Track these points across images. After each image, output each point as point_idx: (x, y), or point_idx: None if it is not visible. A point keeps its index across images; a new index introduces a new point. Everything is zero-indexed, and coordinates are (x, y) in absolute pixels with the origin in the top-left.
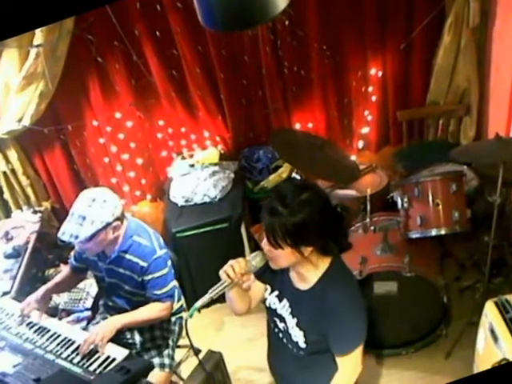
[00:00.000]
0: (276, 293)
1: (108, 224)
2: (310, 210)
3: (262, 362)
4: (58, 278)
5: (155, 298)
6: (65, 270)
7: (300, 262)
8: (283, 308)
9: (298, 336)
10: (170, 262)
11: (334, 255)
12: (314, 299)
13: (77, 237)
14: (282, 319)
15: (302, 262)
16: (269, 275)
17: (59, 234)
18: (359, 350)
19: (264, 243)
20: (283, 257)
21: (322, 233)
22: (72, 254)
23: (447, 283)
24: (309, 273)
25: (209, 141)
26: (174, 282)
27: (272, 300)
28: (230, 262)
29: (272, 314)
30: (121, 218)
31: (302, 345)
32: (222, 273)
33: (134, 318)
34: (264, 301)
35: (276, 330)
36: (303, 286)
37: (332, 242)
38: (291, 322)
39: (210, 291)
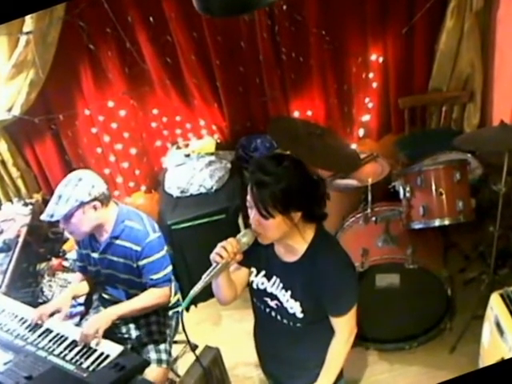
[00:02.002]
0: (263, 272)
1: (83, 203)
2: (293, 175)
3: None
4: (73, 283)
5: (152, 283)
6: (76, 275)
7: (289, 232)
8: (274, 285)
9: (294, 307)
10: (165, 246)
11: (318, 223)
12: (305, 268)
13: (52, 215)
14: (274, 297)
15: (291, 232)
16: (252, 257)
17: (41, 215)
18: (353, 311)
19: (253, 218)
20: (274, 227)
21: (307, 196)
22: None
23: (451, 275)
24: (297, 244)
25: (205, 130)
26: (171, 267)
27: (260, 281)
28: (220, 243)
29: (260, 294)
30: (101, 199)
31: (300, 315)
32: (214, 255)
33: (129, 308)
34: (251, 284)
35: (267, 309)
36: (292, 258)
37: (315, 206)
38: (285, 296)
39: (204, 276)
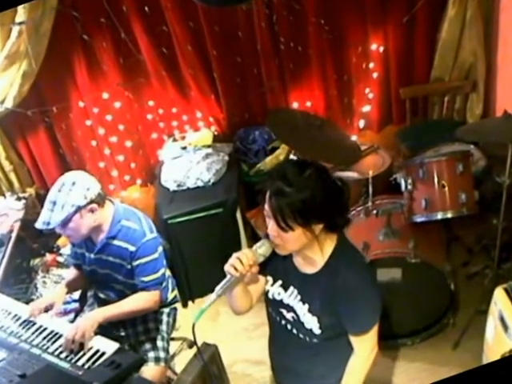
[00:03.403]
0: (279, 282)
1: (80, 207)
2: (316, 185)
3: (259, 354)
4: (67, 278)
5: (142, 285)
6: (70, 269)
7: (309, 243)
8: (290, 296)
9: (311, 322)
10: (160, 248)
11: (340, 233)
12: (324, 281)
13: (48, 223)
14: (291, 308)
15: (311, 244)
16: (269, 265)
17: (35, 224)
18: (375, 330)
19: (271, 229)
20: (293, 239)
21: (329, 206)
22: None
23: (454, 269)
24: (316, 255)
25: (201, 122)
26: (164, 270)
27: (276, 291)
28: (236, 254)
29: (277, 305)
30: (97, 201)
31: (317, 331)
32: (228, 267)
33: (117, 311)
34: (266, 294)
35: (283, 321)
36: (311, 270)
37: (338, 215)
38: (302, 309)
39: (217, 289)
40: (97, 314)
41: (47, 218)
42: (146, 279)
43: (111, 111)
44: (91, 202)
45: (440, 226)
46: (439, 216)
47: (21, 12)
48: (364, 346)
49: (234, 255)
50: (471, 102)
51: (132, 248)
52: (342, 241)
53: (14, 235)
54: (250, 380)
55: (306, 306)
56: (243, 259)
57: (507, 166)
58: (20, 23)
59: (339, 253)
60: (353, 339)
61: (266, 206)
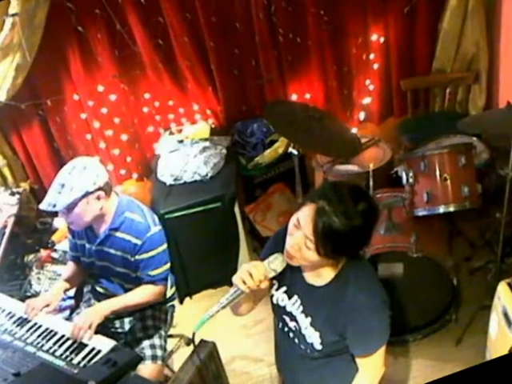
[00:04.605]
0: (284, 288)
1: (88, 192)
2: (365, 221)
3: (258, 351)
4: (65, 275)
5: (149, 279)
6: (69, 264)
7: (322, 261)
8: (293, 306)
9: (312, 337)
10: (165, 240)
11: None
12: (330, 296)
13: (54, 205)
14: (293, 318)
15: (323, 260)
16: None
17: (40, 205)
18: (382, 350)
19: (297, 241)
20: (315, 260)
21: (365, 241)
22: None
23: (457, 264)
24: (325, 268)
25: (198, 114)
26: (169, 264)
27: (280, 296)
28: (246, 266)
29: (280, 311)
30: (105, 189)
31: (318, 346)
32: (237, 280)
33: (123, 303)
34: (271, 297)
35: (286, 329)
36: (318, 282)
37: (365, 246)
38: (304, 321)
39: (222, 300)
40: (104, 307)
41: (53, 199)
42: (152, 273)
43: (106, 104)
44: (99, 188)
45: (442, 220)
46: (441, 210)
47: (14, 3)
48: (369, 368)
49: (245, 268)
50: (473, 93)
51: (137, 241)
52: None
53: (7, 231)
54: (248, 377)
55: (309, 319)
56: (254, 273)
57: (511, 159)
58: (13, 15)
59: (350, 268)
60: (358, 360)
61: (302, 219)
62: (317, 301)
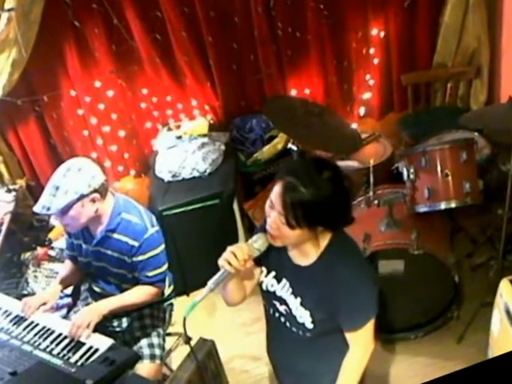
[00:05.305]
0: (273, 274)
1: (83, 195)
2: (332, 189)
3: (258, 349)
4: (61, 274)
5: (147, 280)
6: (66, 262)
7: (307, 239)
8: (283, 289)
9: (303, 317)
10: (163, 242)
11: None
12: (318, 274)
13: (49, 208)
14: (283, 301)
15: (308, 239)
16: (264, 256)
17: (34, 207)
18: (371, 325)
19: (273, 221)
20: (294, 236)
21: (339, 210)
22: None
23: (458, 261)
24: (311, 247)
25: (197, 110)
26: (167, 264)
27: (269, 282)
28: (230, 248)
29: (270, 297)
30: (100, 191)
31: (309, 325)
32: (222, 262)
33: (121, 302)
34: (260, 285)
35: (276, 314)
36: (304, 262)
37: (343, 218)
38: (294, 302)
39: (210, 283)
40: (102, 306)
41: (48, 202)
42: (150, 274)
43: (104, 100)
44: (94, 191)
45: (443, 217)
46: (442, 206)
47: None
48: (359, 343)
49: (229, 249)
50: (475, 88)
51: (134, 243)
52: (337, 235)
53: (4, 228)
54: (247, 376)
55: (299, 299)
56: (238, 254)
57: None
58: (9, 10)
59: (335, 246)
60: (347, 335)
61: (274, 198)
62: (305, 281)
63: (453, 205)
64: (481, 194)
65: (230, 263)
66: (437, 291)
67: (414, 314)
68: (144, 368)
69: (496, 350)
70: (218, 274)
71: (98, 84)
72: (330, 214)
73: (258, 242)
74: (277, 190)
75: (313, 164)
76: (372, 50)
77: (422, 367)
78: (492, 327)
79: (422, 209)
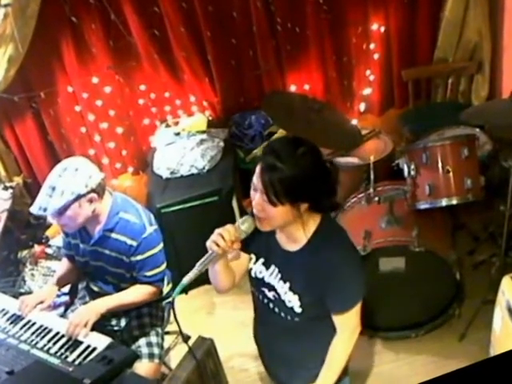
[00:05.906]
0: (262, 260)
1: (80, 196)
2: (308, 163)
3: (257, 348)
4: (59, 272)
5: (145, 280)
6: (63, 261)
7: (292, 220)
8: (271, 275)
9: (292, 301)
10: (161, 241)
11: (325, 213)
12: (306, 259)
13: (45, 209)
14: (272, 287)
15: (294, 221)
16: (252, 243)
17: (30, 208)
18: (358, 308)
19: (257, 202)
20: (279, 214)
21: (318, 186)
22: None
23: (460, 258)
24: (299, 232)
25: (195, 106)
26: (166, 264)
27: (258, 269)
28: (218, 230)
29: (259, 284)
30: (98, 191)
31: (298, 310)
32: (210, 243)
33: (119, 301)
34: (249, 272)
35: (265, 300)
36: (293, 247)
37: (325, 197)
38: (283, 287)
39: (198, 264)
40: (100, 304)
41: (44, 203)
42: (148, 273)
43: (101, 96)
44: (92, 191)
45: (445, 213)
46: (444, 202)
47: None
48: (346, 326)
49: (216, 231)
50: (476, 83)
51: (132, 242)
52: (325, 221)
53: (0, 226)
54: (247, 375)
55: (287, 284)
56: (225, 235)
57: None
58: (6, 5)
59: (322, 232)
60: (335, 318)
61: (255, 179)
62: (294, 266)
63: (454, 201)
64: (482, 190)
65: (217, 244)
66: (438, 289)
67: (414, 311)
68: (142, 367)
69: (498, 347)
70: (206, 255)
71: (95, 80)
72: (309, 189)
73: (245, 225)
74: (257, 171)
75: (289, 142)
76: (372, 45)
77: (423, 365)
78: (494, 325)
79: (423, 205)
